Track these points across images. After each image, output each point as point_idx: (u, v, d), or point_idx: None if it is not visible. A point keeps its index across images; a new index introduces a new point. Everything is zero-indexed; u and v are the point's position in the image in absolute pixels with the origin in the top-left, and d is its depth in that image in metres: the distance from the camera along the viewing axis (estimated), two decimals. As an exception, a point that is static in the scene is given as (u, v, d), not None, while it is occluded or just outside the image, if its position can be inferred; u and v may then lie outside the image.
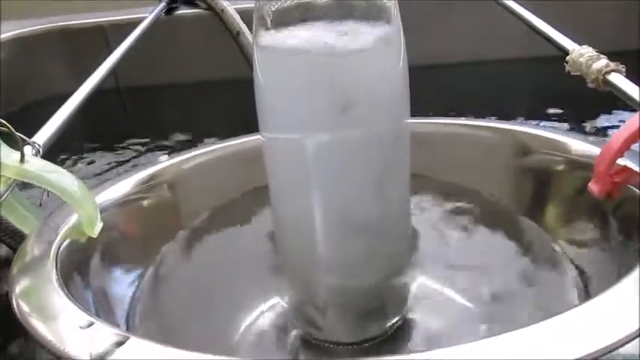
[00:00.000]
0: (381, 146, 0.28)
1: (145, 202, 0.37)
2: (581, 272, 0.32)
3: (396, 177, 0.29)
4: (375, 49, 0.26)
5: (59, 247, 0.30)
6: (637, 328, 0.21)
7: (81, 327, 0.23)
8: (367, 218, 0.29)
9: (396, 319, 0.32)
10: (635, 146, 0.29)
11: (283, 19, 0.26)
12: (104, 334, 0.23)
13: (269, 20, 0.27)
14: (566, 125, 0.60)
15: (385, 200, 0.29)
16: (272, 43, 0.27)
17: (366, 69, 0.26)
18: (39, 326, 0.24)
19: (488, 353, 0.21)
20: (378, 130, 0.27)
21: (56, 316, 0.25)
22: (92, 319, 0.24)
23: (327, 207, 0.28)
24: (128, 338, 0.23)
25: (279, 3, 0.26)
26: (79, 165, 0.63)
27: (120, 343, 0.22)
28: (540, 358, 0.20)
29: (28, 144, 0.34)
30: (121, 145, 0.65)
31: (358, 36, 0.26)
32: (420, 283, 0.34)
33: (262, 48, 0.27)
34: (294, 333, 0.33)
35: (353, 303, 0.30)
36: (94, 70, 0.50)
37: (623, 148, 0.29)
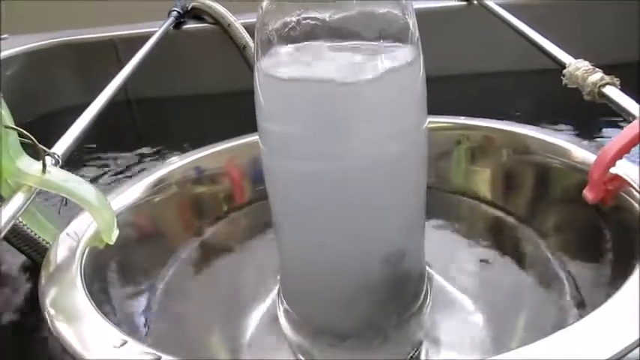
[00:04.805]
0: (391, 176, 0.26)
1: (158, 206, 0.38)
2: (574, 281, 0.33)
3: (408, 204, 0.28)
4: (386, 79, 0.24)
5: (82, 257, 0.31)
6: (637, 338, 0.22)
7: (115, 346, 0.24)
8: (377, 250, 0.27)
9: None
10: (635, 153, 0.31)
11: (287, 40, 0.24)
12: (137, 353, 0.24)
13: (272, 41, 0.25)
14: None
15: (397, 235, 0.27)
16: (274, 69, 0.25)
17: (375, 99, 0.24)
18: (75, 345, 0.25)
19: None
20: (385, 160, 0.25)
21: (91, 334, 0.26)
22: (125, 338, 0.25)
23: (332, 238, 0.27)
24: (160, 358, 0.24)
25: (284, 22, 0.24)
26: (89, 175, 0.64)
27: None
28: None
29: (49, 154, 0.35)
30: (131, 157, 0.67)
31: (368, 62, 0.24)
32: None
33: (265, 73, 0.25)
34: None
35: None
36: (105, 82, 0.51)
37: (616, 158, 0.31)
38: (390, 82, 0.25)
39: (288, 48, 0.25)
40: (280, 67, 0.25)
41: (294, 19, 0.24)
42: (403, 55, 0.25)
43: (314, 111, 0.25)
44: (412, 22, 0.25)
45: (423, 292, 0.30)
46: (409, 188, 0.28)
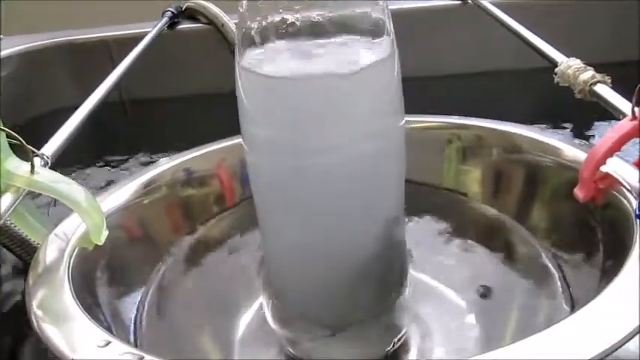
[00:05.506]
0: (371, 169, 0.27)
1: (148, 207, 0.38)
2: (565, 278, 0.33)
3: (388, 199, 0.28)
4: (364, 75, 0.25)
5: (70, 258, 0.31)
6: (635, 326, 0.22)
7: (99, 346, 0.25)
8: (357, 243, 0.28)
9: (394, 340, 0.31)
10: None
11: (268, 37, 0.25)
12: (120, 352, 0.24)
13: (252, 39, 0.25)
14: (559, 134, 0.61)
15: (378, 228, 0.28)
16: (254, 67, 0.25)
17: (353, 95, 0.25)
18: (60, 345, 0.25)
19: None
20: (366, 154, 0.26)
21: (75, 334, 0.26)
22: (109, 338, 0.25)
23: (314, 234, 0.28)
24: (142, 358, 0.24)
25: (265, 19, 0.25)
26: (82, 176, 0.64)
27: None
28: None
29: (37, 155, 0.35)
30: (123, 157, 0.66)
31: (346, 59, 0.25)
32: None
33: (245, 70, 0.26)
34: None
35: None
36: (98, 83, 0.51)
37: (607, 156, 0.31)
38: (368, 77, 0.25)
39: (267, 46, 0.25)
40: (259, 64, 0.26)
41: (271, 17, 0.25)
42: (380, 51, 0.26)
43: (293, 107, 0.25)
44: (388, 19, 0.26)
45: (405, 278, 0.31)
46: (389, 178, 0.28)
